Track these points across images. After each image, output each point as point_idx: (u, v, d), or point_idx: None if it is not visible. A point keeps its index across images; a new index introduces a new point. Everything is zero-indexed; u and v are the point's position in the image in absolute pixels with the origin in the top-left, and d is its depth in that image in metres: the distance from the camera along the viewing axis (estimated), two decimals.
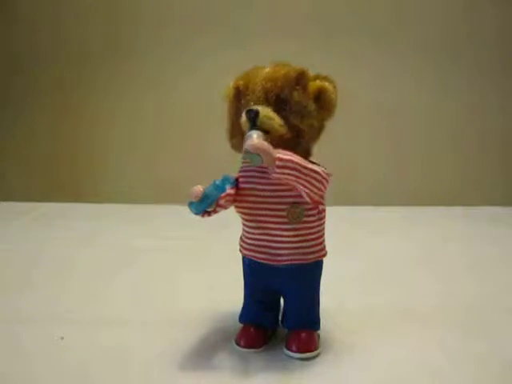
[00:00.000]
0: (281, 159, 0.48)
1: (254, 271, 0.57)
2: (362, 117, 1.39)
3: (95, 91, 1.50)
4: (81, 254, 0.92)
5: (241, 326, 0.59)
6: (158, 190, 1.43)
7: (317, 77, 0.54)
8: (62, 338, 0.59)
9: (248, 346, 0.56)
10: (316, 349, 0.55)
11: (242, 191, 0.54)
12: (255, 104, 0.51)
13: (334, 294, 0.61)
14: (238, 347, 0.57)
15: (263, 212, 0.53)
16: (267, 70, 0.53)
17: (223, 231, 0.86)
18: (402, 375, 0.52)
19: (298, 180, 0.49)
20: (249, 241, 0.55)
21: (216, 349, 0.57)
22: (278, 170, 0.48)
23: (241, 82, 0.54)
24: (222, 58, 1.35)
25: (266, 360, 0.55)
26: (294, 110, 0.51)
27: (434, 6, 1.38)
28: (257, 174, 0.53)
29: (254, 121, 0.50)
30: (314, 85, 0.53)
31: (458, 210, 1.23)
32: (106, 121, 1.51)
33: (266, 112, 0.51)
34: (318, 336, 0.58)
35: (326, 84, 0.53)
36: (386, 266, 0.85)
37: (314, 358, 0.55)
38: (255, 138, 0.49)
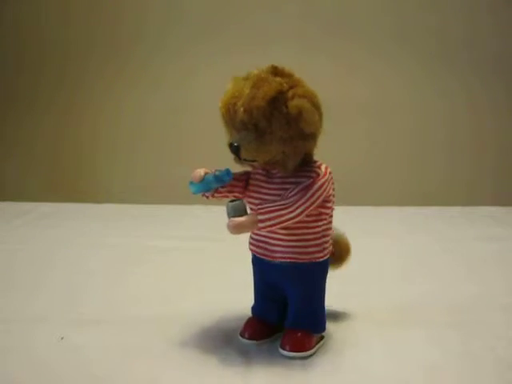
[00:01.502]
0: (259, 229, 0.51)
1: (256, 266, 0.59)
2: (361, 118, 1.39)
3: (98, 92, 1.50)
4: (81, 254, 0.92)
5: (247, 318, 0.61)
6: (161, 190, 1.43)
7: (295, 93, 0.50)
8: (62, 338, 0.60)
9: (250, 337, 0.58)
10: (309, 350, 0.55)
11: (250, 187, 0.56)
12: (238, 131, 0.52)
13: (334, 294, 0.61)
14: (241, 338, 0.59)
15: None
16: (247, 91, 0.51)
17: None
18: (401, 375, 0.52)
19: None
20: (253, 236, 0.58)
21: (219, 346, 0.57)
22: (263, 230, 0.52)
23: (223, 108, 0.53)
24: (227, 59, 1.35)
25: (268, 358, 0.55)
26: (275, 136, 0.51)
27: (429, 7, 1.39)
28: (261, 172, 0.56)
29: (237, 155, 0.52)
30: (291, 105, 0.50)
31: (455, 210, 1.24)
32: (108, 121, 1.51)
33: (246, 145, 0.51)
34: (321, 338, 0.58)
35: (304, 103, 0.50)
36: (384, 266, 0.85)
37: (303, 358, 0.55)
38: (235, 220, 0.51)
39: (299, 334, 0.56)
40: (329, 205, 0.54)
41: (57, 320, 0.65)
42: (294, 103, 0.50)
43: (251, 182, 0.57)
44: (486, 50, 1.39)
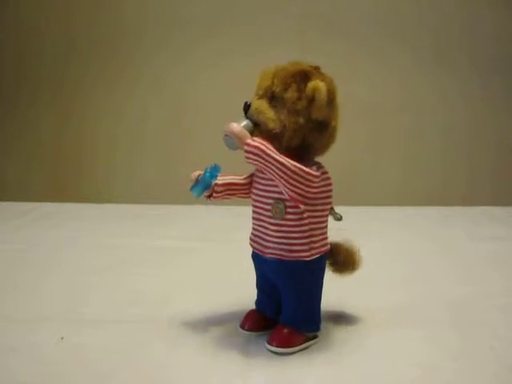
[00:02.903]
0: (248, 144, 0.52)
1: (254, 261, 0.61)
2: (360, 118, 1.39)
3: (99, 92, 1.50)
4: (82, 254, 0.92)
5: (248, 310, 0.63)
6: (161, 190, 1.43)
7: (317, 77, 0.54)
8: (62, 338, 0.60)
9: (250, 329, 0.61)
10: (292, 347, 0.56)
11: (252, 189, 0.58)
12: (259, 98, 0.55)
13: (334, 294, 0.61)
14: (241, 330, 0.61)
15: (259, 204, 0.57)
16: (280, 66, 0.56)
17: (234, 232, 0.86)
18: (400, 375, 0.52)
19: (267, 169, 0.52)
20: (252, 231, 0.59)
21: (218, 345, 0.58)
22: (245, 154, 0.52)
23: (260, 77, 0.57)
24: (228, 60, 1.36)
25: (268, 357, 0.55)
26: (286, 107, 0.53)
27: (428, 8, 1.39)
28: (259, 173, 0.57)
29: (246, 112, 0.55)
30: (309, 85, 0.53)
31: (453, 210, 1.24)
32: (109, 121, 1.51)
33: (257, 105, 0.55)
34: (314, 337, 0.58)
35: (320, 84, 0.53)
36: (383, 266, 0.85)
37: (285, 354, 0.56)
38: (235, 124, 0.53)
39: (286, 331, 0.57)
40: (314, 202, 0.55)
41: (57, 320, 0.65)
42: (312, 83, 0.53)
43: (253, 183, 0.58)
44: (485, 50, 1.39)
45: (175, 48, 1.46)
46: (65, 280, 0.80)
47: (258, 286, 0.62)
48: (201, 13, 1.43)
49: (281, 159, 0.52)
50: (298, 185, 0.53)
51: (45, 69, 1.51)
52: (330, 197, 0.56)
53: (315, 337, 0.59)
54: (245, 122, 0.54)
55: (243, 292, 0.66)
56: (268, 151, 0.52)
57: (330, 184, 0.56)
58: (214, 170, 0.57)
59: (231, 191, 0.59)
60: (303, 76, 0.54)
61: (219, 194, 0.59)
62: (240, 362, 0.55)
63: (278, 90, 0.54)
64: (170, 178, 1.45)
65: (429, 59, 1.40)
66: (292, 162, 0.52)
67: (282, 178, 0.52)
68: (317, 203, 0.55)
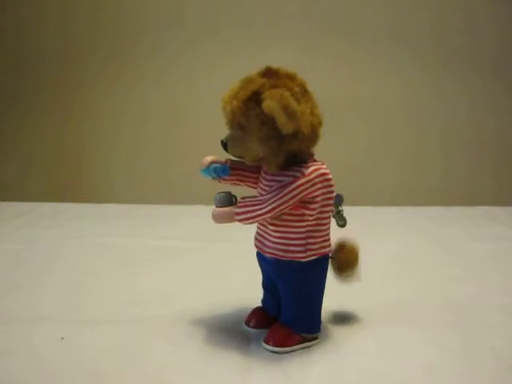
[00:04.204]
0: (237, 220, 0.54)
1: (258, 259, 0.61)
2: (360, 118, 1.39)
3: (98, 92, 1.50)
4: (81, 254, 0.92)
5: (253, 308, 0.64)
6: (161, 190, 1.43)
7: (267, 95, 0.51)
8: (62, 338, 0.60)
9: (255, 326, 0.61)
10: (287, 347, 0.56)
11: (259, 181, 0.59)
12: (230, 128, 0.56)
13: (334, 294, 0.61)
14: (246, 327, 0.62)
15: None
16: (234, 91, 0.54)
17: (234, 232, 0.86)
18: (400, 375, 0.52)
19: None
20: (257, 230, 0.60)
21: (218, 345, 0.58)
22: (242, 223, 0.54)
23: (222, 106, 0.56)
24: (227, 60, 1.36)
25: (268, 357, 0.55)
26: (254, 136, 0.53)
27: (429, 8, 1.39)
28: (264, 169, 0.58)
29: (226, 150, 0.56)
30: (263, 107, 0.51)
31: (454, 210, 1.24)
32: (109, 121, 1.51)
33: (232, 142, 0.55)
34: (312, 339, 0.58)
35: (272, 105, 0.51)
36: (383, 266, 0.85)
37: (279, 353, 0.56)
38: (212, 213, 0.54)
39: (282, 331, 0.57)
40: (313, 206, 0.54)
41: (57, 320, 0.65)
42: (264, 105, 0.51)
43: (260, 175, 0.59)
44: (486, 50, 1.39)
45: (174, 48, 1.45)
46: (64, 280, 0.80)
47: (263, 284, 0.63)
48: (200, 12, 1.43)
49: (270, 206, 0.52)
50: (292, 200, 0.53)
51: (44, 69, 1.51)
52: (330, 198, 0.55)
53: (315, 338, 0.59)
54: (221, 195, 0.55)
55: (243, 292, 0.66)
56: (250, 214, 0.53)
57: (331, 186, 0.55)
58: (222, 172, 0.58)
59: (240, 177, 0.60)
60: (254, 98, 0.52)
61: (229, 178, 0.59)
62: (240, 361, 0.55)
63: (241, 120, 0.53)
64: (169, 177, 1.45)
65: (430, 59, 1.40)
66: (278, 196, 0.52)
67: (282, 211, 0.53)
68: (315, 206, 0.54)
